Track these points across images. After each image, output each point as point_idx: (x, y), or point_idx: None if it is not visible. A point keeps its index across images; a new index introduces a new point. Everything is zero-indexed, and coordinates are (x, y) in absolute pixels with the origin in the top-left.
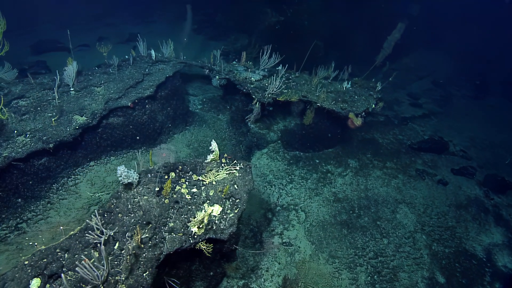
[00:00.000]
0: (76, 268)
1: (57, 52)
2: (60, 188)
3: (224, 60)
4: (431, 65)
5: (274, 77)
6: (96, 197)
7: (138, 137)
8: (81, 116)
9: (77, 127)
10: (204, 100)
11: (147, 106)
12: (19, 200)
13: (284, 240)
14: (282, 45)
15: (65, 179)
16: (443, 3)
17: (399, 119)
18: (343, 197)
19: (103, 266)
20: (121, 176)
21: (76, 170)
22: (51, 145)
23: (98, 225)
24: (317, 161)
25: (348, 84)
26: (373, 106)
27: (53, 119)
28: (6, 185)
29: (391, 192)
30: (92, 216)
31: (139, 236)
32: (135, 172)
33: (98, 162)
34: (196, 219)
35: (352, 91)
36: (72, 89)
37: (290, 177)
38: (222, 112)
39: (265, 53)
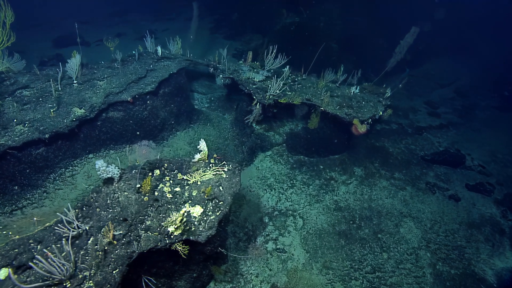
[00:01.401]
0: (30, 264)
1: (77, 46)
2: (57, 178)
3: (237, 59)
4: (455, 72)
5: (275, 78)
6: (91, 190)
7: (138, 132)
8: (80, 109)
9: (74, 119)
10: (212, 99)
11: (148, 102)
12: (16, 187)
13: (278, 246)
14: (296, 46)
15: (63, 169)
16: (471, 7)
17: (413, 128)
18: (345, 206)
19: (70, 261)
20: (99, 171)
21: (74, 162)
22: (46, 136)
23: (72, 219)
24: (321, 167)
25: (356, 89)
26: (381, 113)
27: (51, 110)
28: (3, 172)
29: (396, 204)
30: (65, 209)
31: (111, 233)
32: (116, 167)
33: (97, 154)
34: (169, 219)
35: (360, 97)
36: (75, 81)
37: (291, 181)
38: (229, 111)
39: (270, 53)
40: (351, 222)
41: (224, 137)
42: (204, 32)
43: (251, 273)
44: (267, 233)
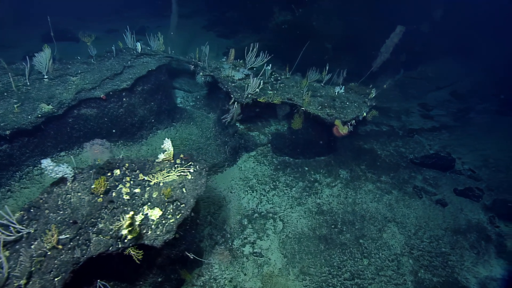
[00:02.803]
0: None
1: (68, 41)
2: (23, 176)
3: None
4: (453, 74)
5: (252, 77)
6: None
7: (114, 130)
8: (48, 105)
9: (39, 115)
10: (198, 97)
11: (124, 99)
12: None
13: (255, 250)
14: (289, 45)
15: (30, 167)
16: (472, 7)
17: (405, 130)
18: (327, 210)
19: (3, 268)
20: (46, 170)
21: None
22: (7, 132)
23: (11, 221)
24: (306, 168)
25: (341, 89)
26: (364, 114)
27: (15, 106)
28: None
29: (381, 208)
30: (0, 212)
31: (55, 237)
32: (68, 167)
33: (70, 152)
34: (118, 223)
35: (344, 97)
36: (46, 76)
37: (274, 183)
38: (214, 110)
39: (250, 51)
40: (332, 226)
41: (206, 136)
42: (198, 30)
43: (224, 278)
44: (245, 236)
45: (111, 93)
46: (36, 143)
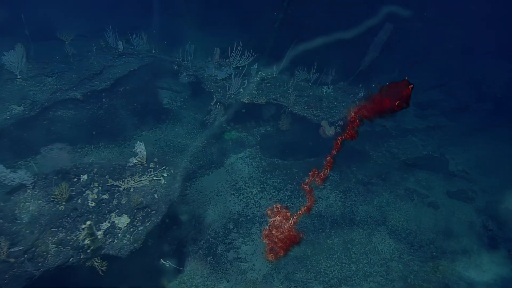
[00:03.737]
0: None
1: (55, 40)
2: None
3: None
4: (449, 73)
5: (233, 77)
6: None
7: (94, 132)
8: (19, 106)
9: (8, 117)
10: (186, 97)
11: (103, 100)
12: None
13: (239, 255)
14: (279, 44)
15: None
16: (469, 5)
17: (398, 130)
18: (315, 213)
19: None
20: None
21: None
22: None
23: None
24: (295, 170)
25: (329, 88)
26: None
27: None
28: None
29: (371, 211)
30: None
31: (5, 249)
32: (27, 173)
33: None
34: (77, 233)
35: (332, 97)
36: (19, 76)
37: (262, 185)
38: (201, 111)
39: (234, 49)
40: (320, 230)
41: (193, 137)
42: (190, 29)
43: (207, 285)
44: (230, 241)
45: (89, 93)
46: (7, 145)
